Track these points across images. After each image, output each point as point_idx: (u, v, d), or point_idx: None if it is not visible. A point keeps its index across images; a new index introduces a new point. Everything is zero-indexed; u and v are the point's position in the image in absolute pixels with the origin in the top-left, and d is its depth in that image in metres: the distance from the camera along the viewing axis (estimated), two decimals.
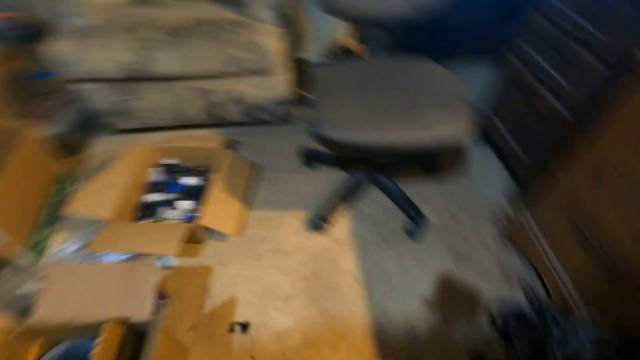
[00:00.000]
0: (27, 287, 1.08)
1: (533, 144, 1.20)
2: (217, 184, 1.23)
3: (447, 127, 0.89)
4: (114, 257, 1.13)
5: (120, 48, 1.27)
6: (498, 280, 1.12)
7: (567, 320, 0.90)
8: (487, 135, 1.49)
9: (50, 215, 1.26)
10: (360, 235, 1.24)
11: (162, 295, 1.02)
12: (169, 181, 1.33)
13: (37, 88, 1.46)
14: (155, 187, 1.32)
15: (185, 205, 1.25)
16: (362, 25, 1.61)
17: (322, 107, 0.96)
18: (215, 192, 1.21)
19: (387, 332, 1.02)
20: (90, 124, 1.55)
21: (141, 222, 1.22)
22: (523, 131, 1.26)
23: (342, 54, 1.70)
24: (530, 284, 1.10)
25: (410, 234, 1.22)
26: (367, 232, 1.24)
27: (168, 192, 1.30)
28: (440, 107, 0.93)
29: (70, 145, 1.49)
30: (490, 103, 1.42)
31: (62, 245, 1.20)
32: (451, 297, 1.09)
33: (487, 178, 1.42)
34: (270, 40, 1.31)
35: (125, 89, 1.40)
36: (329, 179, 1.41)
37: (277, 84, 1.44)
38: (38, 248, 1.18)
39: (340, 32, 1.74)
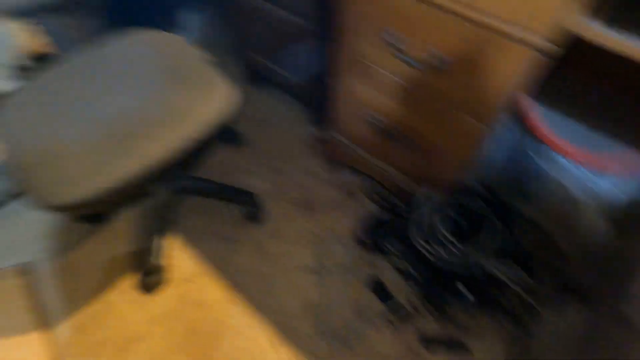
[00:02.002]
0: None
1: (298, 64, 1.15)
2: None
3: (211, 104, 0.72)
4: None
5: None
6: (349, 204, 1.13)
7: (409, 202, 0.98)
8: (257, 75, 1.39)
9: None
10: (207, 253, 1.05)
11: None
12: None
13: None
14: None
15: None
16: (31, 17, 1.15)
17: (36, 165, 0.64)
18: None
19: (291, 325, 0.94)
20: None
21: None
22: (283, 56, 1.19)
23: (37, 62, 1.23)
24: (373, 190, 1.15)
25: (253, 217, 1.10)
26: (212, 246, 1.06)
27: None
28: (186, 84, 0.74)
29: None
30: (241, 44, 1.28)
31: None
32: (325, 248, 1.06)
33: (285, 115, 1.36)
34: None
35: None
36: (129, 222, 1.10)
37: None
38: None
39: (20, 37, 1.23)
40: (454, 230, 0.88)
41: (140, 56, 0.81)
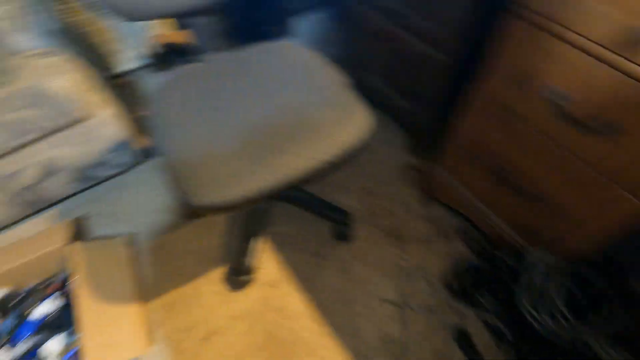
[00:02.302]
0: None
1: (418, 93, 1.14)
2: (85, 293, 0.89)
3: (351, 129, 0.72)
4: None
5: None
6: (440, 242, 1.10)
7: (516, 259, 0.92)
8: (363, 94, 1.39)
9: None
10: (292, 263, 1.06)
11: None
12: (13, 325, 0.91)
13: None
14: None
15: (55, 346, 0.88)
16: (180, 17, 1.25)
17: (183, 161, 0.68)
18: (89, 306, 0.87)
19: (367, 356, 0.92)
20: None
21: None
22: (402, 81, 1.18)
23: (170, 52, 1.33)
24: (468, 234, 1.10)
25: (341, 236, 1.09)
26: (297, 257, 1.07)
27: (17, 342, 0.89)
28: (327, 103, 0.75)
29: None
30: (353, 59, 1.29)
31: None
32: (410, 283, 1.03)
33: (384, 138, 1.35)
34: (61, 79, 0.90)
35: None
36: (227, 217, 1.15)
37: (100, 128, 1.05)
38: None
39: (158, 26, 1.35)
40: (567, 301, 0.81)
41: (283, 68, 0.84)
